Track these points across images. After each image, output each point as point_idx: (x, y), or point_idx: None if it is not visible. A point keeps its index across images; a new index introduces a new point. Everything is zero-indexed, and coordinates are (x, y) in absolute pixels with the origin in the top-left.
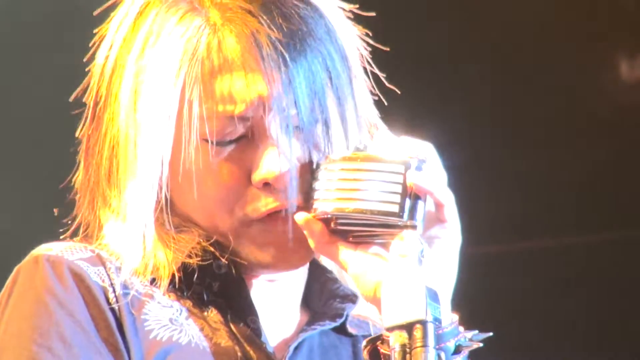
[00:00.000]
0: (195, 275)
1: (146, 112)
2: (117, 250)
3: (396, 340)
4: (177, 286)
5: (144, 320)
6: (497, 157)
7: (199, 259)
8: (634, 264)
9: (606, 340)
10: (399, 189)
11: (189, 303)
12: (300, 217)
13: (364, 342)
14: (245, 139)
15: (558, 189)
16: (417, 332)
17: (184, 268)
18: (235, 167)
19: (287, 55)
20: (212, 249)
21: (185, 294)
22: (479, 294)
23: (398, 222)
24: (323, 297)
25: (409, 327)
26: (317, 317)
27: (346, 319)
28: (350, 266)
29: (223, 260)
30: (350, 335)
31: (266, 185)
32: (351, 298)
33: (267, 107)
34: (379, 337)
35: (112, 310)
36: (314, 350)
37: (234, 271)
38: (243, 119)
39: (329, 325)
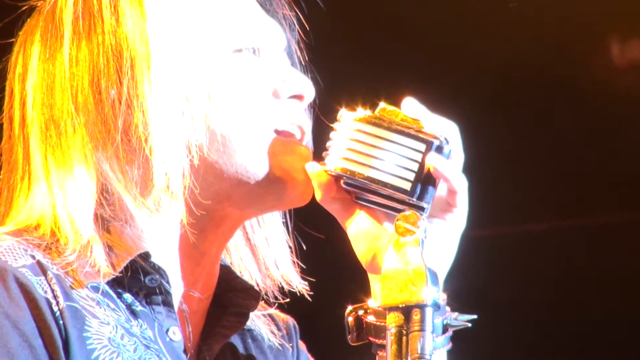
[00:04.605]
0: (127, 285)
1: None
2: (54, 244)
3: (392, 320)
4: (111, 293)
5: (86, 338)
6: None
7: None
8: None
9: None
10: (415, 167)
11: (122, 317)
12: (312, 169)
13: (348, 309)
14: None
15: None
16: (416, 316)
17: (118, 276)
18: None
19: None
20: (142, 262)
21: (118, 305)
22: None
23: (407, 200)
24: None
25: (407, 309)
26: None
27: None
28: (351, 226)
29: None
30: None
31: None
32: (252, 294)
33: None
34: (362, 306)
35: (57, 323)
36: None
37: (163, 283)
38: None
39: (240, 325)
